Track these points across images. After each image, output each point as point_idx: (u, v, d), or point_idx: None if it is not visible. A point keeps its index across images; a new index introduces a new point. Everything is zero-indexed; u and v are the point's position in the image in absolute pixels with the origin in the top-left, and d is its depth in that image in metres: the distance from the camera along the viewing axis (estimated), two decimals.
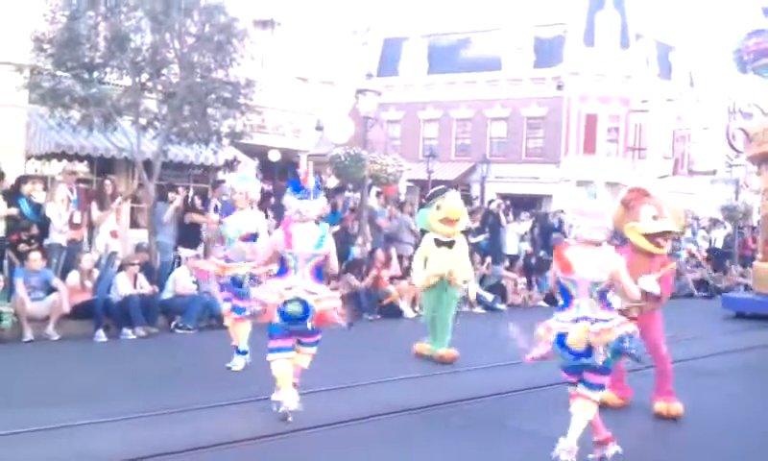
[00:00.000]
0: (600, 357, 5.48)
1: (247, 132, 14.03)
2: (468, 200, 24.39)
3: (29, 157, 16.82)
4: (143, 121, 13.59)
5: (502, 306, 15.97)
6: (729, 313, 16.28)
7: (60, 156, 15.84)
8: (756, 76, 18.32)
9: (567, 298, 5.68)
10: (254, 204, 9.03)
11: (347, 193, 17.63)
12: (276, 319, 6.46)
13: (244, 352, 8.71)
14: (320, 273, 6.72)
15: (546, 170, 35.74)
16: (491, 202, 20.56)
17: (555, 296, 6.10)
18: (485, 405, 7.53)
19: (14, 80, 14.12)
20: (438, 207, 9.90)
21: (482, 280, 16.25)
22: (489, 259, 16.61)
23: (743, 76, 18.67)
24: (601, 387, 5.71)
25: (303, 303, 6.41)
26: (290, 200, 6.66)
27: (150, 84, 13.49)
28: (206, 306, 11.85)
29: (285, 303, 6.42)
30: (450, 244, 9.88)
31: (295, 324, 6.49)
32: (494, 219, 17.82)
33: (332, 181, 21.30)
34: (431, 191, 10.85)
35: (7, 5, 15.55)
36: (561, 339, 5.54)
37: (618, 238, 7.44)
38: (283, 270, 6.62)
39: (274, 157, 21.44)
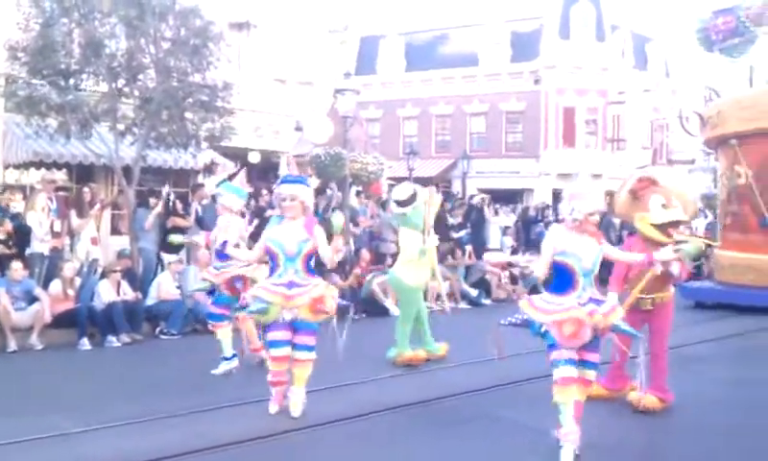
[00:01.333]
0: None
1: (225, 135, 13.98)
2: (448, 196, 24.40)
3: (6, 167, 16.70)
4: (121, 127, 13.52)
5: (487, 301, 16.02)
6: (688, 303, 15.27)
7: (39, 164, 15.73)
8: (723, 56, 18.06)
9: (568, 279, 5.58)
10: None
11: (328, 191, 17.60)
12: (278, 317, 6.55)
13: (232, 358, 8.64)
14: (310, 267, 6.68)
15: (526, 164, 35.89)
16: (472, 197, 20.63)
17: (539, 287, 6.06)
18: (472, 401, 7.56)
19: None
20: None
21: (466, 276, 16.30)
22: (469, 248, 16.68)
23: (709, 54, 18.33)
24: (596, 365, 5.74)
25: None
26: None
27: (126, 89, 13.41)
28: (190, 311, 11.82)
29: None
30: None
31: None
32: (477, 214, 17.87)
33: (313, 182, 21.26)
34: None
35: None
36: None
37: (627, 228, 7.57)
38: (273, 267, 6.65)
39: (254, 158, 21.39)
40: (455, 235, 16.81)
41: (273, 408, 6.78)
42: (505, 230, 19.10)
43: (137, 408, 6.91)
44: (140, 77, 13.34)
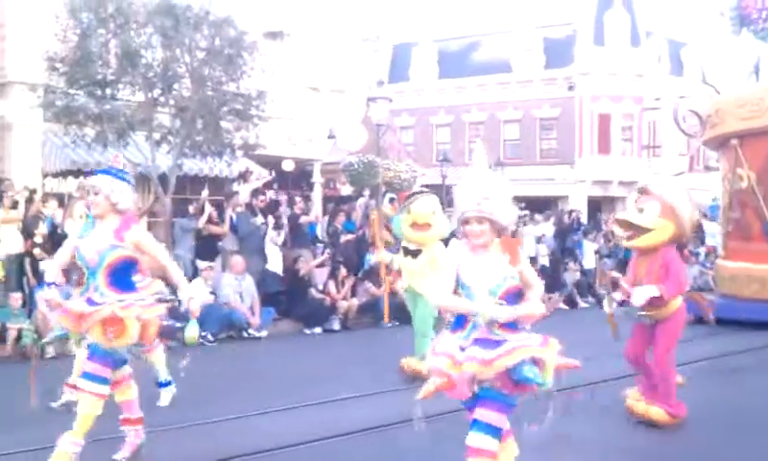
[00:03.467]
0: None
1: (259, 143, 14.09)
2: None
3: (45, 175, 16.97)
4: (157, 136, 13.71)
5: None
6: (687, 317, 14.33)
7: (76, 172, 15.97)
8: (756, 38, 16.40)
9: (459, 315, 4.16)
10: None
11: (360, 200, 17.64)
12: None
13: (167, 384, 7.47)
14: (122, 280, 5.29)
15: (561, 171, 35.62)
16: None
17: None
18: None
19: (29, 99, 14.29)
20: (408, 211, 9.01)
21: None
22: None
23: (734, 37, 16.78)
24: (489, 427, 4.02)
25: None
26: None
27: (162, 98, 13.60)
28: (225, 317, 11.92)
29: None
30: (415, 253, 8.94)
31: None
32: None
33: (346, 189, 21.36)
34: (408, 194, 9.91)
35: (19, 26, 15.72)
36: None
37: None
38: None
39: (287, 166, 21.51)
40: None
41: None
42: (539, 239, 18.96)
43: (170, 415, 6.95)
44: (176, 86, 13.52)
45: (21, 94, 15.77)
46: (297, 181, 22.58)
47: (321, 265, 14.60)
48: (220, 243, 13.55)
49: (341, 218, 15.95)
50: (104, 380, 5.24)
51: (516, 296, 4.10)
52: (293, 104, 20.93)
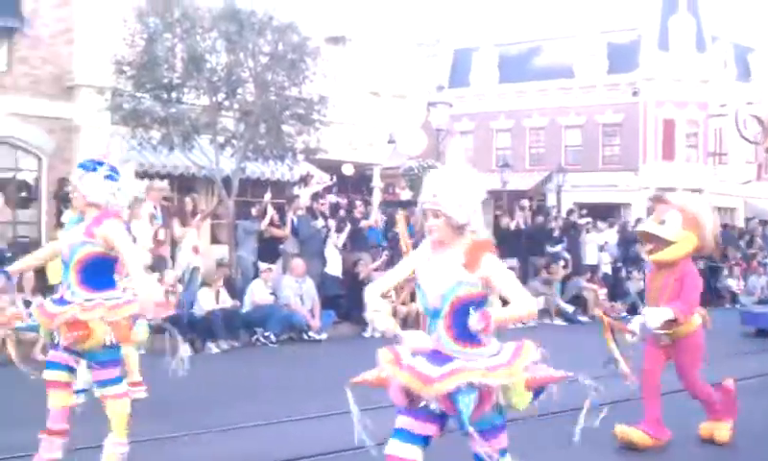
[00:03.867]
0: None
1: (320, 147, 14.19)
2: (541, 209, 24.07)
3: None
4: (221, 139, 13.90)
5: (583, 318, 15.67)
6: (748, 330, 13.69)
7: (142, 175, 16.27)
8: None
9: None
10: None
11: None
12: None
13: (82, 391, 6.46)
14: (94, 279, 5.02)
15: (624, 178, 35.04)
16: (570, 212, 20.26)
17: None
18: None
19: (97, 102, 14.64)
20: None
21: (562, 292, 16.02)
22: (561, 263, 16.36)
23: None
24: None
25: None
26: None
27: (226, 102, 13.79)
28: (286, 319, 12.02)
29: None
30: None
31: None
32: (574, 229, 17.54)
33: (406, 194, 21.35)
34: None
35: (87, 30, 16.10)
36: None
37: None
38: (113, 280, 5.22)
39: (347, 170, 21.59)
40: (551, 249, 16.55)
41: None
42: (602, 247, 18.67)
43: (232, 414, 7.02)
44: (239, 91, 13.70)
45: (89, 97, 16.15)
46: (356, 185, 22.64)
47: (379, 269, 14.61)
48: (281, 246, 13.68)
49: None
50: (118, 379, 5.18)
51: (478, 305, 3.65)
52: (353, 109, 21.00)
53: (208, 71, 13.32)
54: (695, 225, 6.19)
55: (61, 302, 5.05)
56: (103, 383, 5.09)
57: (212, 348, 10.84)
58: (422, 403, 3.69)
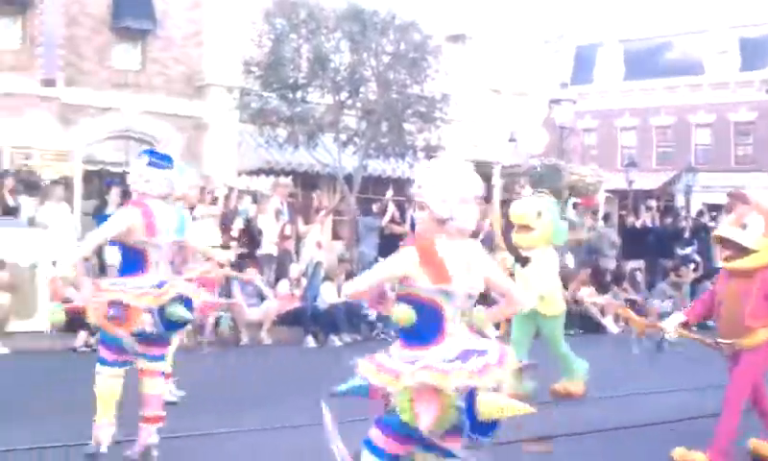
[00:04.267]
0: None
1: (441, 145, 14.18)
2: (669, 210, 23.24)
3: (239, 173, 17.89)
4: (343, 137, 14.09)
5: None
6: None
7: (268, 171, 16.71)
8: None
9: (433, 325, 3.60)
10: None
11: None
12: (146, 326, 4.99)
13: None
14: (123, 264, 5.24)
15: (758, 179, 33.39)
16: (699, 213, 19.48)
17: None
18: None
19: (226, 101, 15.13)
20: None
21: (692, 295, 15.38)
22: (691, 266, 15.70)
23: None
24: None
25: (187, 301, 5.13)
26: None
27: (349, 101, 13.97)
28: None
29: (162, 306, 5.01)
30: (524, 260, 7.81)
31: (149, 336, 5.04)
32: (705, 231, 16.83)
33: (526, 193, 21.03)
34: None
35: (217, 32, 16.68)
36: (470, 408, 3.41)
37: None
38: (137, 266, 5.13)
39: None
40: (681, 252, 15.95)
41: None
42: None
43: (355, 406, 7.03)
44: (362, 89, 13.85)
45: (218, 96, 16.75)
46: None
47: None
48: (402, 242, 13.72)
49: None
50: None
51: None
52: (474, 106, 20.88)
53: (332, 71, 13.55)
54: None
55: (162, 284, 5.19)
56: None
57: (335, 341, 11.00)
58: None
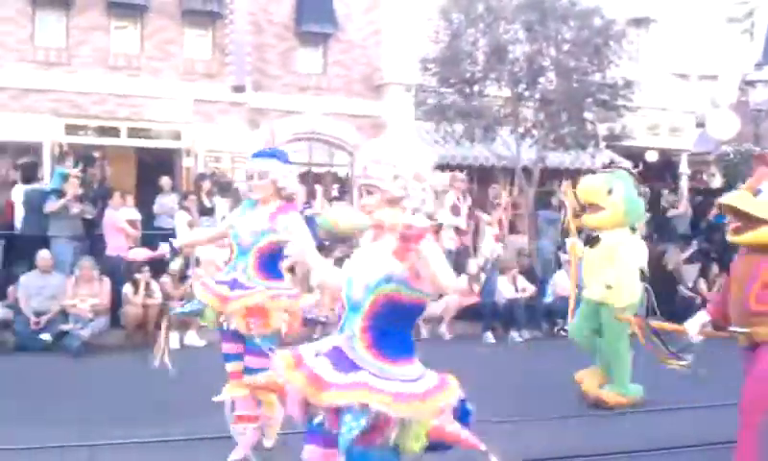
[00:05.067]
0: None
1: (626, 133, 13.68)
2: None
3: None
4: (521, 130, 13.91)
5: None
6: None
7: (444, 167, 16.79)
8: None
9: (408, 333, 3.27)
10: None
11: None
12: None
13: None
14: (270, 267, 5.03)
15: None
16: None
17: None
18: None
19: (403, 99, 15.36)
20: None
21: None
22: None
23: None
24: None
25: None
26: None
27: (527, 92, 13.76)
28: None
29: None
30: (593, 241, 7.07)
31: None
32: None
33: (716, 181, 19.95)
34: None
35: (395, 30, 16.95)
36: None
37: None
38: (279, 270, 5.25)
39: (651, 157, 20.61)
40: None
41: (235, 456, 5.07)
42: None
43: (535, 406, 6.93)
44: (540, 80, 13.61)
45: (396, 94, 17.03)
46: (660, 172, 21.53)
47: (689, 261, 13.78)
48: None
49: (713, 212, 14.91)
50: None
51: (408, 315, 3.16)
52: (657, 92, 19.97)
53: (510, 62, 13.40)
54: None
55: (236, 285, 4.99)
56: (255, 371, 4.68)
57: (515, 336, 10.91)
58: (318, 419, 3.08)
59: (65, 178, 10.89)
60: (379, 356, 3.05)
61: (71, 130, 15.16)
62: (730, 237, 4.92)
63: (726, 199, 4.86)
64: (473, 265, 11.81)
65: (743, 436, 4.52)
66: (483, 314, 11.09)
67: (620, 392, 6.92)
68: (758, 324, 4.49)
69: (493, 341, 10.84)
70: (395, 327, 3.11)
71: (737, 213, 4.68)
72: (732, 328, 4.70)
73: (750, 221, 4.57)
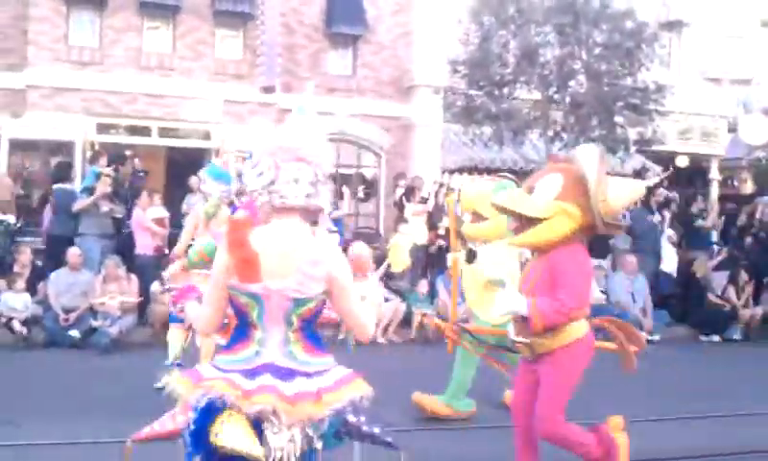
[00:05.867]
0: (295, 445, 2.79)
1: (657, 138, 13.57)
2: None
3: (443, 172, 18.09)
4: (550, 133, 13.84)
5: None
6: None
7: (471, 169, 16.76)
8: None
9: (242, 326, 3.01)
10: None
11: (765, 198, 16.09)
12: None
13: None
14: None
15: None
16: None
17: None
18: None
19: (432, 101, 15.33)
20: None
21: None
22: None
23: None
24: None
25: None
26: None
27: (557, 96, 13.69)
28: (617, 317, 11.65)
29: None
30: (470, 255, 6.50)
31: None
32: None
33: (748, 187, 19.71)
34: None
35: (425, 32, 16.92)
36: (208, 411, 2.78)
37: None
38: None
39: (681, 162, 20.42)
40: None
41: None
42: None
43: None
44: (571, 83, 13.53)
45: (425, 96, 17.01)
46: (690, 178, 21.31)
47: (718, 268, 13.63)
48: (611, 241, 13.30)
49: (742, 218, 14.75)
50: None
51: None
52: (689, 96, 19.78)
53: (540, 65, 13.34)
54: (578, 190, 4.24)
55: None
56: None
57: None
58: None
59: (98, 176, 11.01)
60: (318, 350, 3.10)
61: (103, 129, 15.31)
62: (508, 240, 4.78)
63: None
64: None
65: (552, 424, 4.31)
66: None
67: (448, 403, 6.64)
68: (540, 335, 4.24)
69: None
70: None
71: (513, 214, 4.48)
72: (515, 339, 4.38)
73: (529, 221, 4.30)
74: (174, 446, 3.05)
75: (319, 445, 2.85)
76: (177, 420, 2.95)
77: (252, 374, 2.85)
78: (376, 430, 3.15)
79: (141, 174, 13.22)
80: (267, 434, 2.77)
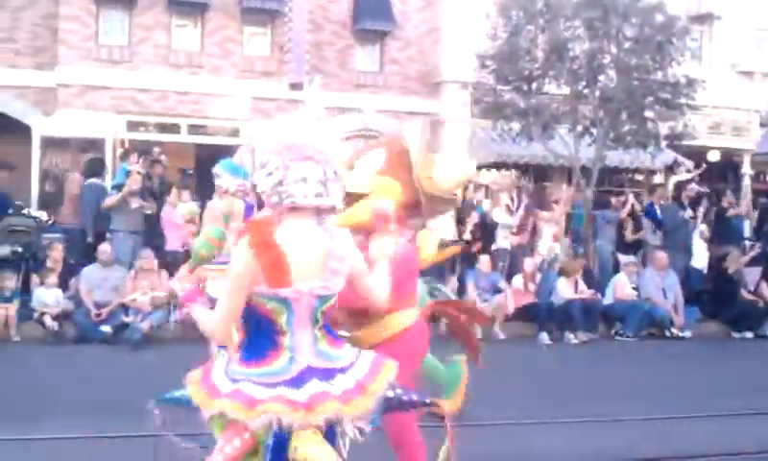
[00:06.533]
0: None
1: (688, 132, 13.39)
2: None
3: None
4: (580, 128, 13.72)
5: None
6: None
7: (500, 165, 16.68)
8: None
9: (266, 334, 2.85)
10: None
11: None
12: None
13: None
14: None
15: None
16: None
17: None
18: None
19: (460, 96, 15.26)
20: None
21: None
22: None
23: None
24: None
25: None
26: None
27: (586, 90, 13.56)
28: (647, 314, 11.56)
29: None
30: None
31: None
32: None
33: None
34: None
35: (454, 28, 16.87)
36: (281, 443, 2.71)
37: None
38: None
39: (713, 157, 20.16)
40: None
41: None
42: None
43: (585, 408, 6.82)
44: (601, 77, 13.39)
45: (453, 92, 16.97)
46: (722, 172, 21.05)
47: (751, 263, 13.44)
48: (642, 236, 13.19)
49: None
50: None
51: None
52: (721, 90, 19.51)
53: (569, 60, 13.22)
54: (401, 165, 3.99)
55: None
56: None
57: (571, 338, 10.77)
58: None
59: (128, 174, 11.09)
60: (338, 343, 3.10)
61: (132, 126, 15.46)
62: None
63: None
64: (529, 264, 11.69)
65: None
66: (538, 315, 10.97)
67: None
68: (360, 325, 3.84)
69: (549, 342, 10.70)
70: None
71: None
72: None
73: (352, 198, 3.82)
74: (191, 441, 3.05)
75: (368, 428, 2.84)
76: (225, 451, 2.79)
77: (296, 382, 2.76)
78: (414, 397, 3.18)
79: (190, 172, 13.35)
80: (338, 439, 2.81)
